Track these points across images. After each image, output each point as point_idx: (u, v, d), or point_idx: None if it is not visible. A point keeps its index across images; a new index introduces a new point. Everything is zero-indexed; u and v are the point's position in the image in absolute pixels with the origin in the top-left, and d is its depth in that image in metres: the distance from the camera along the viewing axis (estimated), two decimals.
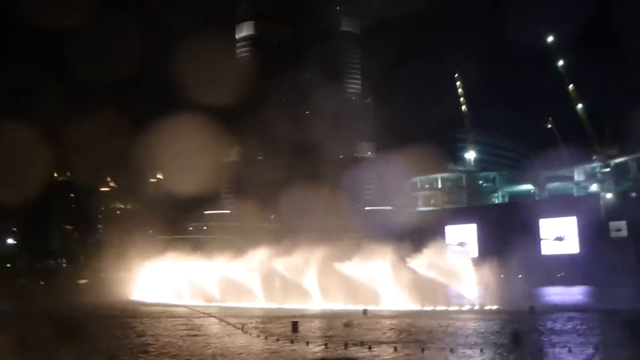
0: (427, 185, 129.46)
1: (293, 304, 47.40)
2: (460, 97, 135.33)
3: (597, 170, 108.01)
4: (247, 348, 24.89)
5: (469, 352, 22.82)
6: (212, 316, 39.74)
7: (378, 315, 39.50)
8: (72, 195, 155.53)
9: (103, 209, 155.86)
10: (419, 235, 56.94)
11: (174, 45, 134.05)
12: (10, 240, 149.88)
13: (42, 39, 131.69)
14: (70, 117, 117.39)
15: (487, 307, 43.98)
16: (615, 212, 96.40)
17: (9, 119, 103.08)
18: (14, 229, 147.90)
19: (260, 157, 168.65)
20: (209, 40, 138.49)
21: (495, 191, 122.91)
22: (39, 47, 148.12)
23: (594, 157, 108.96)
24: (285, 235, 62.64)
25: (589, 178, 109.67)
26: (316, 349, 24.25)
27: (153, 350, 24.93)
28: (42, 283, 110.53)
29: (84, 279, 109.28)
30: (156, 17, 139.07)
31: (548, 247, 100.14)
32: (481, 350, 22.82)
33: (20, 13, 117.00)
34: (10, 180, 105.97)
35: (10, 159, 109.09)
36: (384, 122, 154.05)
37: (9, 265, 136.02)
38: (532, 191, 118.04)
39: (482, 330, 31.17)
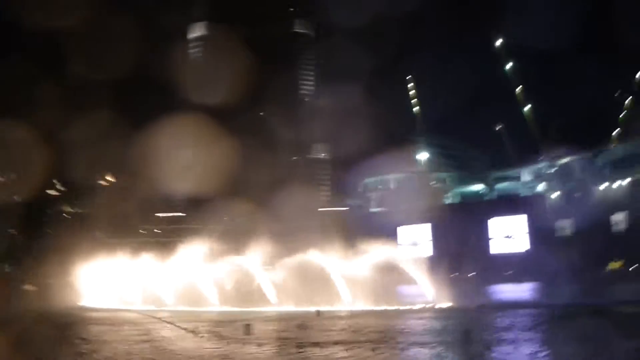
0: (379, 186, 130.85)
1: (246, 307, 47.05)
2: (412, 99, 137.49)
3: (544, 170, 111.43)
4: (197, 352, 24.48)
5: (419, 349, 23.08)
6: (163, 320, 38.97)
7: (332, 316, 39.58)
8: (15, 197, 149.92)
9: (49, 212, 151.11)
10: (373, 235, 57.36)
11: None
12: None
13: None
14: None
15: (439, 306, 44.67)
16: (561, 211, 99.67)
17: None
18: None
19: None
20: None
21: (447, 191, 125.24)
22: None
23: (541, 157, 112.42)
24: (237, 236, 62.17)
25: (536, 178, 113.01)
26: (268, 350, 24.07)
27: (100, 357, 24.21)
28: None
29: (30, 284, 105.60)
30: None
31: (497, 246, 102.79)
32: (432, 348, 23.11)
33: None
34: None
35: None
36: (338, 123, 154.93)
37: None
38: (481, 191, 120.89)
39: (433, 328, 31.65)
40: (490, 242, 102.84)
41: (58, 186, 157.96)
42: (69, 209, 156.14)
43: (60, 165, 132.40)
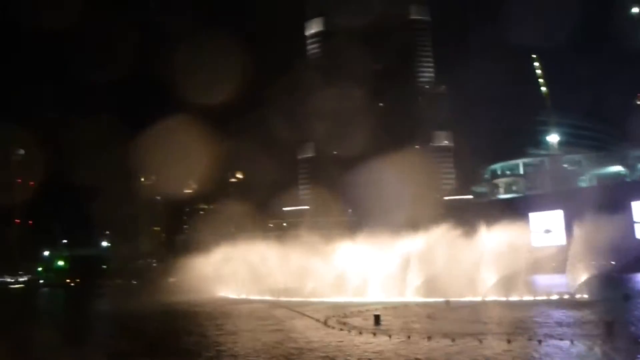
0: (507, 172, 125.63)
1: (376, 298, 47.38)
2: (539, 79, 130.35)
3: None
4: (328, 342, 25.14)
5: (558, 343, 22.03)
6: (296, 311, 40.37)
7: (462, 307, 38.80)
8: (158, 198, 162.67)
9: (187, 210, 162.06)
10: (502, 223, 55.31)
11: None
12: (104, 243, 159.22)
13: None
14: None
15: (578, 297, 42.16)
16: None
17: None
18: (107, 232, 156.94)
19: (335, 152, 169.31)
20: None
21: (581, 174, 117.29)
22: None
23: None
24: (364, 228, 62.55)
25: None
26: (399, 341, 24.18)
27: (238, 347, 25.66)
28: (135, 283, 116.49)
29: (172, 277, 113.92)
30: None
31: None
32: (572, 342, 21.96)
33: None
34: (104, 187, 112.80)
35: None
36: (459, 110, 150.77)
37: (104, 266, 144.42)
38: (622, 172, 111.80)
39: (572, 320, 29.99)
40: (636, 226, 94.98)
41: (193, 185, 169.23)
42: (204, 206, 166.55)
43: (194, 166, 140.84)
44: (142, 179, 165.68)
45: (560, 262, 50.78)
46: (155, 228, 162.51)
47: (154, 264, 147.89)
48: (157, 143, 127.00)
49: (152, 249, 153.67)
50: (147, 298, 64.51)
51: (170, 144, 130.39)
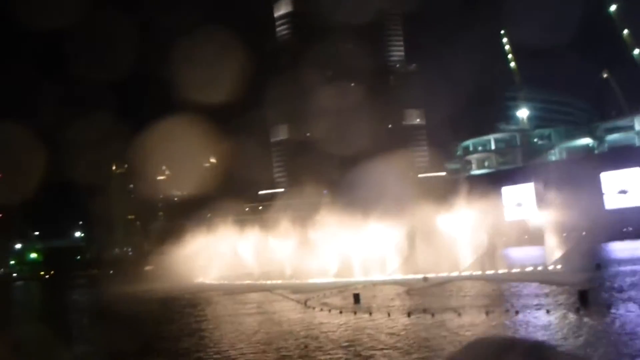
0: (479, 148, 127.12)
1: (354, 277, 47.73)
2: (507, 54, 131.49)
3: None
4: (311, 323, 25.31)
5: (534, 313, 22.54)
6: (275, 293, 40.49)
7: (439, 282, 39.35)
8: (132, 186, 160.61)
9: (161, 196, 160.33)
10: (475, 199, 56.04)
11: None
12: (78, 234, 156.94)
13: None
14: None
15: (551, 268, 43.08)
16: None
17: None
18: (81, 222, 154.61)
19: (308, 134, 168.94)
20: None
21: (551, 148, 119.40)
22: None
23: None
24: (338, 208, 62.69)
25: None
26: (380, 319, 24.45)
27: (218, 333, 25.68)
28: (111, 272, 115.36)
29: (149, 265, 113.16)
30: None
31: (612, 201, 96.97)
32: (547, 312, 22.48)
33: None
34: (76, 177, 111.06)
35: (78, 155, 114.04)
36: (430, 88, 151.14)
37: (78, 257, 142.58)
38: (591, 145, 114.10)
39: (547, 291, 30.67)
40: (604, 197, 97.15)
41: (167, 172, 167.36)
42: (177, 193, 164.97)
43: (168, 152, 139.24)
44: (114, 168, 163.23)
45: (533, 235, 51.89)
46: (130, 217, 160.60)
47: (130, 253, 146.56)
48: (129, 131, 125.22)
49: (127, 238, 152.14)
50: (124, 287, 63.92)
51: (142, 131, 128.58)
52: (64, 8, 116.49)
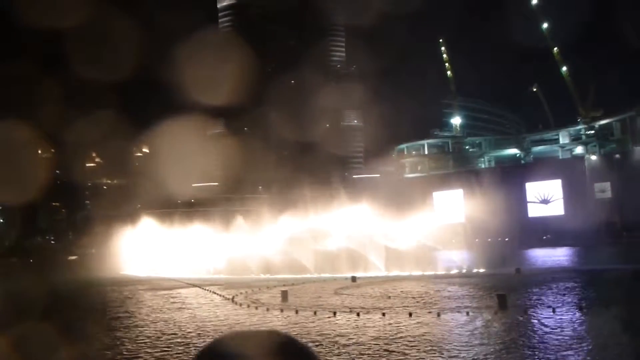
0: (413, 152, 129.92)
1: (284, 275, 47.65)
2: (445, 63, 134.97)
3: (582, 132, 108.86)
4: (233, 319, 25.07)
5: (455, 315, 23.18)
6: (203, 289, 39.86)
7: (367, 283, 39.86)
8: (58, 172, 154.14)
9: (89, 184, 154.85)
10: (407, 202, 57.27)
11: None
12: None
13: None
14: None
15: (475, 271, 44.56)
16: (599, 173, 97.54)
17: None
18: (0, 207, 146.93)
19: (246, 128, 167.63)
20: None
21: (481, 156, 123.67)
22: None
23: (579, 119, 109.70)
24: (275, 205, 62.62)
25: (573, 140, 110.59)
26: (305, 316, 24.47)
27: (140, 322, 24.99)
28: (31, 261, 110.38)
29: (73, 255, 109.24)
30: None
31: (534, 210, 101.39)
32: (467, 313, 23.17)
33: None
34: None
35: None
36: (368, 90, 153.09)
37: None
38: (518, 155, 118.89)
39: (469, 293, 31.65)
40: (528, 206, 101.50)
41: (97, 159, 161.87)
42: (107, 181, 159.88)
43: (98, 139, 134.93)
44: (40, 152, 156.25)
45: (460, 238, 53.51)
46: (55, 203, 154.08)
47: (52, 242, 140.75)
48: (60, 115, 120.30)
49: (51, 226, 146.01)
50: (41, 277, 61.31)
51: (73, 116, 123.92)
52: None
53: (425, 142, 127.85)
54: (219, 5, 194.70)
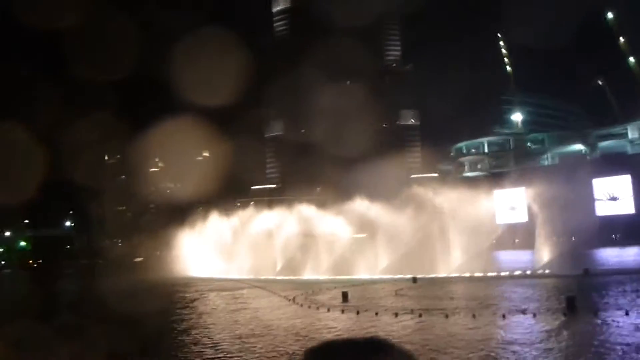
0: (473, 150, 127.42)
1: (345, 275, 47.71)
2: (504, 58, 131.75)
3: None
4: (296, 319, 25.32)
5: (521, 317, 22.62)
6: (264, 289, 40.44)
7: (428, 283, 39.41)
8: (123, 177, 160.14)
9: (153, 188, 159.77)
10: (467, 202, 56.24)
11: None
12: (68, 223, 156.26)
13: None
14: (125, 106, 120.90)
15: (540, 272, 43.27)
16: None
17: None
18: (71, 211, 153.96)
19: (303, 130, 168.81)
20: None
21: (544, 153, 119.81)
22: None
23: None
24: (331, 206, 62.68)
25: None
26: (366, 317, 24.47)
27: (211, 325, 25.64)
28: (100, 262, 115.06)
29: (138, 257, 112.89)
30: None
31: (603, 208, 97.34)
32: (534, 316, 22.56)
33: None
34: (66, 165, 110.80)
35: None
36: (425, 88, 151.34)
37: (68, 247, 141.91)
38: (583, 151, 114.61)
39: (535, 295, 30.78)
40: (596, 204, 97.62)
41: (160, 164, 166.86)
42: (170, 185, 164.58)
43: (162, 143, 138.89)
44: (106, 158, 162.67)
45: (523, 239, 52.09)
46: (121, 208, 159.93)
47: (119, 244, 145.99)
48: (126, 127, 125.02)
49: (118, 229, 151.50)
50: (113, 279, 63.72)
51: (138, 122, 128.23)
52: (63, 8, 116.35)
53: (485, 139, 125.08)
54: (273, 10, 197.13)
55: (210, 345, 19.91)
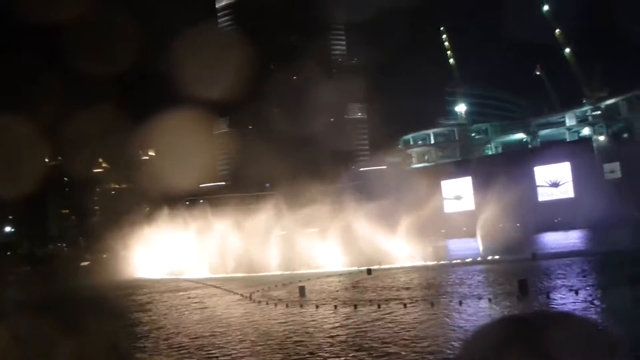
0: (419, 142, 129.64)
1: (299, 270, 47.71)
2: (447, 50, 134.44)
3: (588, 113, 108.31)
4: (255, 317, 25.10)
5: (477, 302, 23.11)
6: (218, 288, 39.95)
7: (383, 274, 39.82)
8: (66, 179, 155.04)
9: (98, 190, 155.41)
10: (415, 192, 57.19)
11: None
12: (8, 229, 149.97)
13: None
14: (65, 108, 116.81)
15: (490, 258, 44.41)
16: (608, 154, 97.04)
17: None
18: (11, 217, 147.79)
19: (250, 127, 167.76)
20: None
21: (488, 142, 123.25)
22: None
23: (584, 100, 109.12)
24: (281, 201, 62.46)
25: (580, 122, 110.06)
26: (326, 311, 24.47)
27: (154, 327, 25.09)
28: (44, 268, 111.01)
29: (85, 261, 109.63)
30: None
31: (544, 194, 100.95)
32: (489, 300, 23.10)
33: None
34: (5, 169, 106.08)
35: (4, 149, 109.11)
36: (371, 82, 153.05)
37: (9, 253, 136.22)
38: (524, 140, 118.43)
39: (487, 280, 31.57)
40: (537, 190, 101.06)
41: (104, 164, 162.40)
42: (115, 185, 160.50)
43: (103, 145, 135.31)
44: (47, 160, 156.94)
45: (470, 227, 53.38)
46: (64, 211, 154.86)
47: (65, 248, 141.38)
48: (62, 122, 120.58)
49: (62, 233, 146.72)
50: (58, 284, 61.60)
51: (75, 122, 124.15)
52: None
53: (430, 131, 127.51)
54: (217, 5, 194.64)
55: (174, 347, 19.47)
